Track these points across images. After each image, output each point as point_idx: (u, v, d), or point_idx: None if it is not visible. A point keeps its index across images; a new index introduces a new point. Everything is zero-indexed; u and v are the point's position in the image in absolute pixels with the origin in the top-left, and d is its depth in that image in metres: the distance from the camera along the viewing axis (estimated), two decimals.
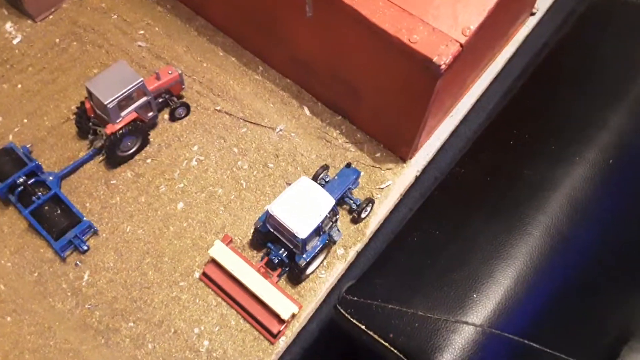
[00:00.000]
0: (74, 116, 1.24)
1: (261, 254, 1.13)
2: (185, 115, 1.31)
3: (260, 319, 1.04)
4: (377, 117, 1.23)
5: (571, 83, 1.14)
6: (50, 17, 1.44)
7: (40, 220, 1.12)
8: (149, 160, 1.24)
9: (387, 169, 1.25)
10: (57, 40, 1.40)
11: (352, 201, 1.17)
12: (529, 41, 1.46)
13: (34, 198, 1.13)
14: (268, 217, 1.06)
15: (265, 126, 1.30)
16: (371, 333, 0.86)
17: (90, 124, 1.22)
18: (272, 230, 1.07)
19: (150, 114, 1.25)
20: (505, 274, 0.89)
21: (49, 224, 1.11)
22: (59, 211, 1.13)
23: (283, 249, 1.08)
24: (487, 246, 0.92)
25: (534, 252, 0.90)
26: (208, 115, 1.31)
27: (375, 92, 1.18)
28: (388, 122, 1.21)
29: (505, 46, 1.43)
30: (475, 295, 0.86)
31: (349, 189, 1.17)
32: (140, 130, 1.21)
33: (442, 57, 0.96)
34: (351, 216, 1.19)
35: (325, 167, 1.19)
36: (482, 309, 0.85)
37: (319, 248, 1.07)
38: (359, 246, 1.16)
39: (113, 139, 1.16)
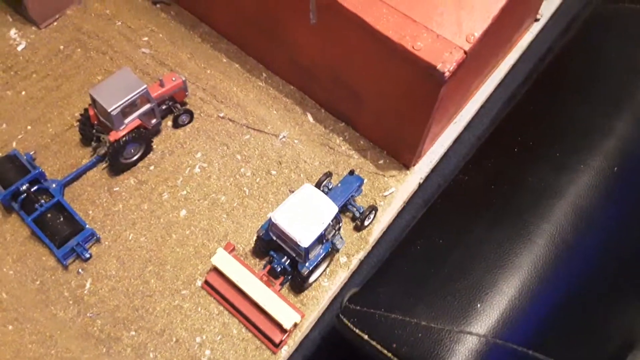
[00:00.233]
0: (78, 123, 1.25)
1: (264, 262, 1.13)
2: (189, 122, 1.31)
3: (262, 328, 1.04)
4: (380, 124, 1.23)
5: (575, 89, 1.14)
6: (55, 23, 1.44)
7: (43, 228, 1.12)
8: (152, 168, 1.24)
9: (391, 176, 1.24)
10: (61, 46, 1.41)
11: (355, 209, 1.16)
12: (533, 47, 1.45)
13: (36, 205, 1.13)
14: (271, 225, 1.05)
15: (268, 133, 1.30)
16: (374, 343, 0.85)
17: (94, 131, 1.22)
18: (275, 238, 1.07)
19: (154, 120, 1.25)
20: (509, 283, 0.88)
21: (51, 231, 1.11)
22: (61, 219, 1.13)
23: (286, 257, 1.07)
24: (490, 255, 0.91)
25: (539, 261, 0.90)
26: (211, 122, 1.31)
27: (378, 98, 1.17)
28: (391, 129, 1.21)
29: (509, 52, 1.42)
30: (479, 305, 0.85)
31: (352, 196, 1.17)
32: (144, 137, 1.21)
33: (446, 64, 0.96)
34: (354, 224, 1.18)
35: (329, 174, 1.19)
36: (486, 319, 0.84)
37: (321, 256, 1.06)
38: (362, 254, 1.16)
39: (116, 146, 1.16)
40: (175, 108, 1.28)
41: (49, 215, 1.13)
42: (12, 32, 1.42)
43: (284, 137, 1.29)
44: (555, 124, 1.09)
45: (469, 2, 1.01)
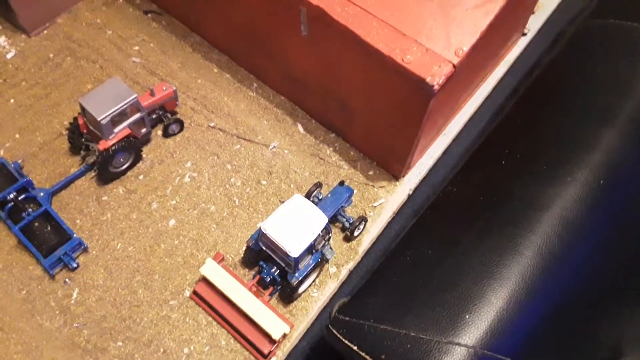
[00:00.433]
0: (67, 132, 1.24)
1: (253, 272, 1.12)
2: (179, 132, 1.31)
3: (250, 339, 1.03)
4: (370, 135, 1.24)
5: (562, 103, 1.16)
6: (45, 32, 1.44)
7: (30, 237, 1.11)
8: (141, 177, 1.23)
9: (380, 187, 1.25)
10: (51, 55, 1.40)
11: (345, 219, 1.17)
12: (520, 61, 1.48)
13: (24, 214, 1.12)
14: (260, 235, 1.05)
15: (258, 143, 1.30)
16: (363, 354, 0.85)
17: (83, 139, 1.22)
18: (265, 249, 1.07)
19: (144, 130, 1.25)
20: (497, 294, 0.89)
21: (38, 240, 1.10)
22: (49, 228, 1.12)
23: (275, 267, 1.07)
24: (479, 266, 0.92)
25: (526, 273, 0.90)
26: (202, 131, 1.31)
27: (368, 110, 1.18)
28: (381, 141, 1.22)
29: (497, 66, 1.45)
30: (467, 316, 0.86)
31: (342, 207, 1.17)
32: (133, 147, 1.20)
33: (435, 77, 0.97)
34: (344, 234, 1.18)
35: (319, 185, 1.19)
36: (474, 330, 0.85)
37: (311, 266, 1.06)
38: (351, 264, 1.16)
39: (105, 155, 1.15)
40: (165, 117, 1.28)
41: (36, 224, 1.12)
42: (2, 40, 1.41)
43: (274, 147, 1.30)
44: (542, 137, 1.11)
45: (457, 16, 1.03)
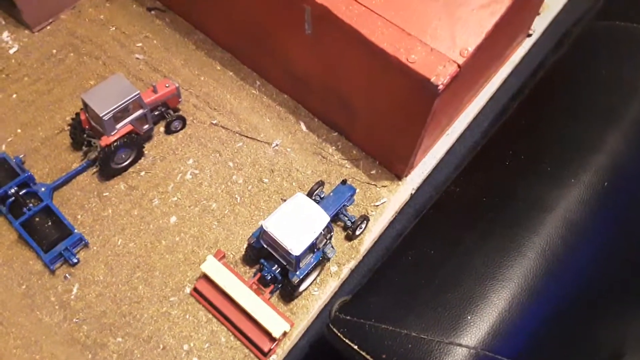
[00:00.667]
0: (69, 127, 1.24)
1: (254, 270, 1.12)
2: (181, 129, 1.30)
3: (251, 337, 1.03)
4: (373, 135, 1.23)
5: (566, 105, 1.15)
6: (48, 27, 1.44)
7: (31, 232, 1.11)
8: (142, 173, 1.23)
9: (383, 186, 1.25)
10: (54, 51, 1.40)
11: (346, 218, 1.16)
12: (525, 62, 1.47)
13: (25, 209, 1.12)
14: (262, 233, 1.05)
15: (261, 141, 1.30)
16: (364, 354, 0.85)
17: (85, 135, 1.21)
18: (266, 246, 1.06)
19: (146, 126, 1.24)
20: (499, 295, 0.88)
21: (39, 235, 1.10)
22: (49, 223, 1.12)
23: (276, 265, 1.07)
24: (481, 267, 0.91)
25: (529, 274, 0.90)
26: (204, 128, 1.31)
27: (371, 109, 1.18)
28: (384, 140, 1.21)
29: (502, 66, 1.44)
30: (469, 317, 0.86)
31: (344, 205, 1.17)
32: (135, 143, 1.20)
33: (440, 77, 0.96)
34: (345, 233, 1.18)
35: (321, 184, 1.19)
36: (476, 331, 0.84)
37: (312, 265, 1.06)
38: (352, 263, 1.16)
39: (107, 151, 1.15)
40: (168, 114, 1.28)
41: (37, 219, 1.12)
42: (5, 35, 1.41)
43: (276, 145, 1.29)
44: (546, 139, 1.10)
45: (463, 16, 1.02)
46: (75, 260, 1.10)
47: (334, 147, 1.30)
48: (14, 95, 1.32)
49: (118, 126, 1.16)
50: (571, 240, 0.94)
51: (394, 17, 1.02)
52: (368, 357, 0.85)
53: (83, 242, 1.12)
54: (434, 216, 1.10)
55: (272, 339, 1.02)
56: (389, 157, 1.25)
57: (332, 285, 1.12)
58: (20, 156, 1.21)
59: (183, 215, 1.18)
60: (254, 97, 1.37)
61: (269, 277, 1.06)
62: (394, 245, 1.10)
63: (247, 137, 1.30)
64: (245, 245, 1.13)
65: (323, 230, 1.03)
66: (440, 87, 0.96)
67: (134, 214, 1.17)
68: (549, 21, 1.54)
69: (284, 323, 1.01)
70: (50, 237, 1.09)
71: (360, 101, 1.19)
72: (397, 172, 1.26)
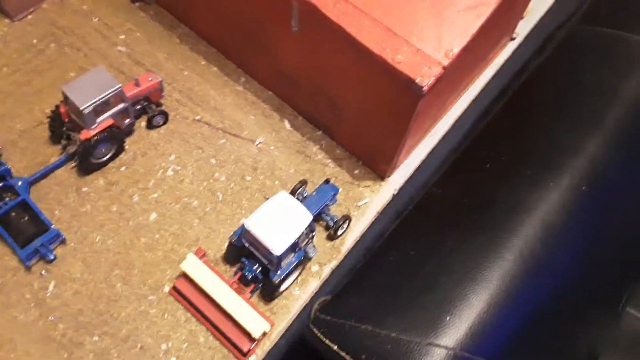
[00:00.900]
0: (48, 120, 1.21)
1: (234, 269, 1.11)
2: (163, 124, 1.29)
3: (230, 336, 1.02)
4: (357, 134, 1.23)
5: (548, 109, 1.16)
6: (29, 17, 1.41)
7: (6, 227, 1.08)
8: (123, 169, 1.21)
9: (365, 186, 1.25)
10: (35, 41, 1.37)
11: (329, 217, 1.16)
12: (508, 65, 1.48)
13: (0, 203, 1.09)
14: (244, 232, 1.04)
15: (244, 138, 1.29)
16: (343, 354, 0.85)
17: (64, 128, 1.19)
18: (247, 245, 1.05)
19: (127, 120, 1.22)
20: (478, 296, 0.89)
21: (15, 231, 1.08)
22: (26, 218, 1.09)
23: (257, 265, 1.06)
24: (461, 268, 0.92)
25: (507, 276, 0.91)
26: (187, 124, 1.29)
27: (356, 109, 1.18)
28: (368, 140, 1.21)
29: (485, 69, 1.45)
30: (448, 318, 0.86)
31: (327, 205, 1.16)
32: (116, 137, 1.18)
33: (425, 78, 0.97)
34: (327, 233, 1.18)
35: (304, 182, 1.18)
36: (454, 332, 0.85)
37: (294, 264, 1.05)
38: (334, 263, 1.15)
39: (87, 145, 1.13)
40: (150, 109, 1.26)
41: (13, 213, 1.09)
42: None
43: (260, 143, 1.28)
44: (528, 142, 1.12)
45: (449, 17, 1.03)
46: (51, 257, 1.07)
47: (317, 146, 1.29)
48: None
49: (99, 120, 1.14)
50: (550, 242, 0.95)
51: (382, 17, 1.02)
52: (348, 357, 0.85)
53: (60, 238, 1.10)
54: (416, 217, 1.11)
55: (252, 339, 1.01)
56: (373, 157, 1.25)
57: (313, 285, 1.12)
58: None
59: (163, 213, 1.17)
60: (238, 93, 1.35)
61: (250, 277, 1.06)
62: (375, 245, 1.11)
63: (230, 134, 1.29)
64: (226, 244, 1.12)
65: (305, 229, 1.02)
66: (425, 88, 0.97)
67: (113, 210, 1.16)
68: (532, 25, 1.55)
69: (264, 323, 1.01)
70: (27, 232, 1.07)
71: (346, 100, 1.18)
72: (380, 172, 1.26)
